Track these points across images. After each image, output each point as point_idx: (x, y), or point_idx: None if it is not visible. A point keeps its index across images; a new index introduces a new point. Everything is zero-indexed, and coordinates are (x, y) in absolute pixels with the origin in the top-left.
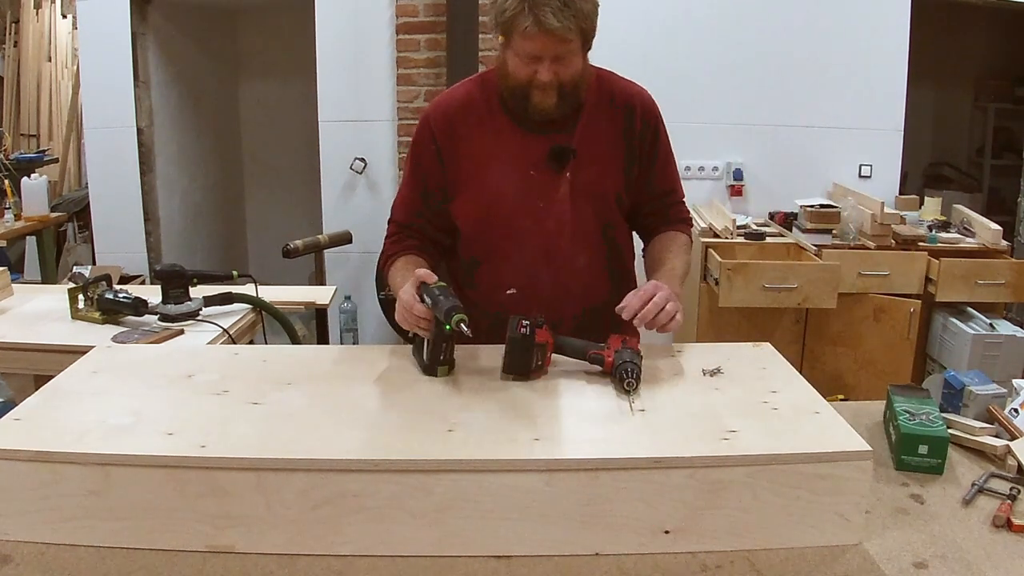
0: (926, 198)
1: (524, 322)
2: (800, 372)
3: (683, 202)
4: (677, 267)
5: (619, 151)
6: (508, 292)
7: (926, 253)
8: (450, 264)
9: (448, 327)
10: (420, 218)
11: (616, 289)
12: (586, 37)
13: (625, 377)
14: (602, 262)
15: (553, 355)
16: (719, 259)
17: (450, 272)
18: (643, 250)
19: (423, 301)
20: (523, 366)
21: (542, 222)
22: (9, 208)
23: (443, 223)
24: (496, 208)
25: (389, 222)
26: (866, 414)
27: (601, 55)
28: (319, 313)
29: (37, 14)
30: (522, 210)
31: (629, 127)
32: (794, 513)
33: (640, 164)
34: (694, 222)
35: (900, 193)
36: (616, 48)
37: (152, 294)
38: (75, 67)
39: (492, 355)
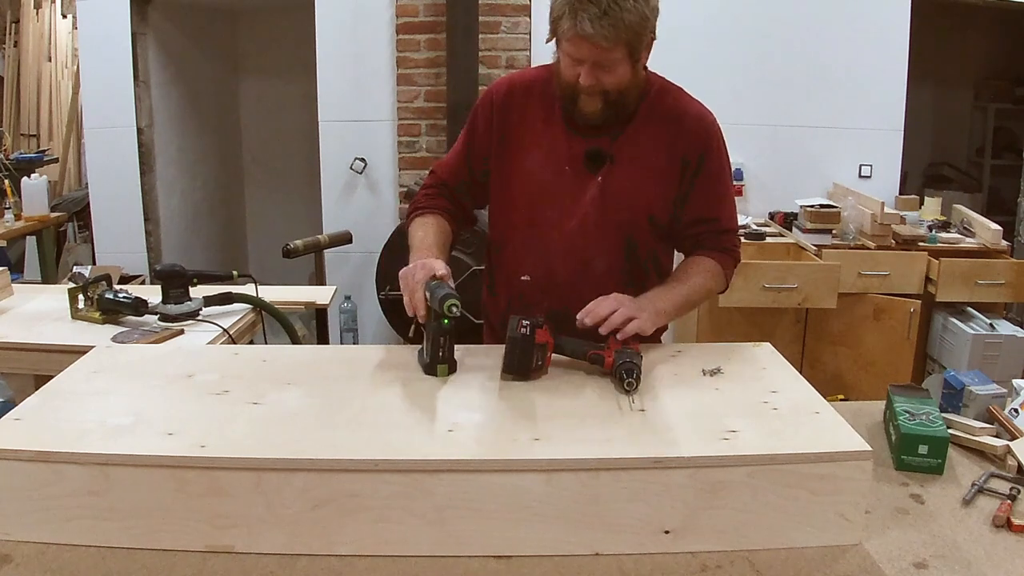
0: (926, 198)
1: (524, 322)
2: (800, 372)
3: (730, 232)
4: (681, 287)
5: (659, 167)
6: (523, 278)
7: (926, 253)
8: (484, 241)
9: (446, 320)
10: (457, 180)
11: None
12: (631, 47)
13: (625, 377)
14: (620, 272)
15: (553, 355)
16: None
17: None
18: None
19: (427, 297)
20: (523, 366)
21: (566, 218)
22: (9, 208)
23: (478, 193)
24: (524, 194)
25: (430, 173)
26: (866, 414)
27: None
28: (319, 313)
29: (37, 14)
30: (549, 202)
31: (675, 145)
32: (794, 513)
33: (681, 185)
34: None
35: (900, 193)
36: None
37: (152, 294)
38: (75, 67)
39: (492, 355)
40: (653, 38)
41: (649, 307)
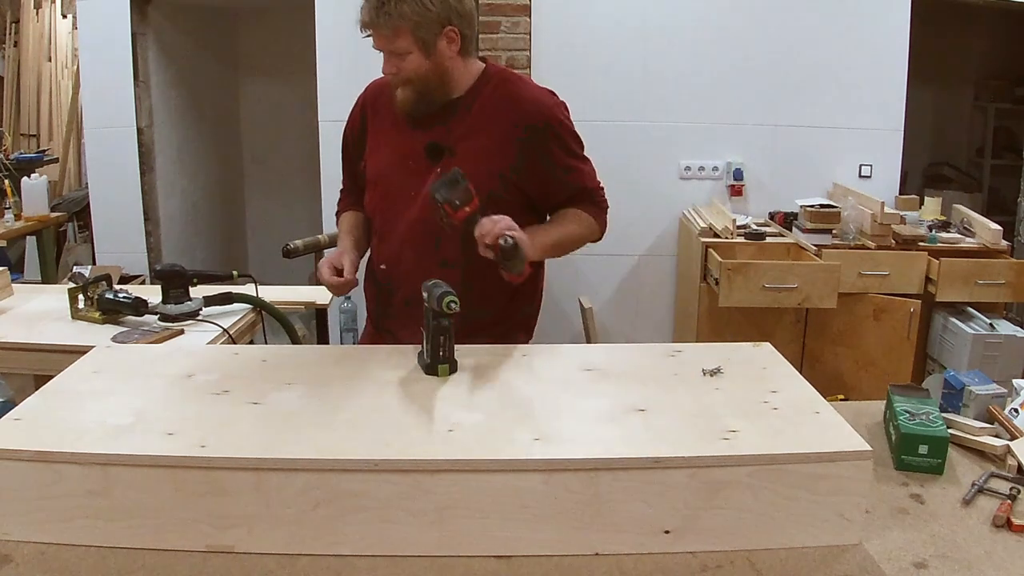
0: (926, 198)
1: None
2: (800, 372)
3: (594, 189)
4: (556, 229)
5: (499, 153)
6: (381, 267)
7: (926, 253)
8: None
9: (446, 319)
10: (349, 180)
11: (472, 284)
12: (418, 36)
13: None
14: (466, 255)
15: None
16: (719, 259)
17: None
18: None
19: (424, 296)
20: (445, 192)
21: (411, 209)
22: (9, 208)
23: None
24: (377, 189)
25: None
26: (866, 414)
27: (601, 55)
28: (319, 313)
29: (37, 14)
30: (397, 195)
31: (514, 129)
32: (794, 513)
33: (527, 171)
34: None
35: (900, 193)
36: (616, 49)
37: (152, 294)
38: (75, 67)
39: (492, 355)
40: (456, 30)
41: (527, 241)
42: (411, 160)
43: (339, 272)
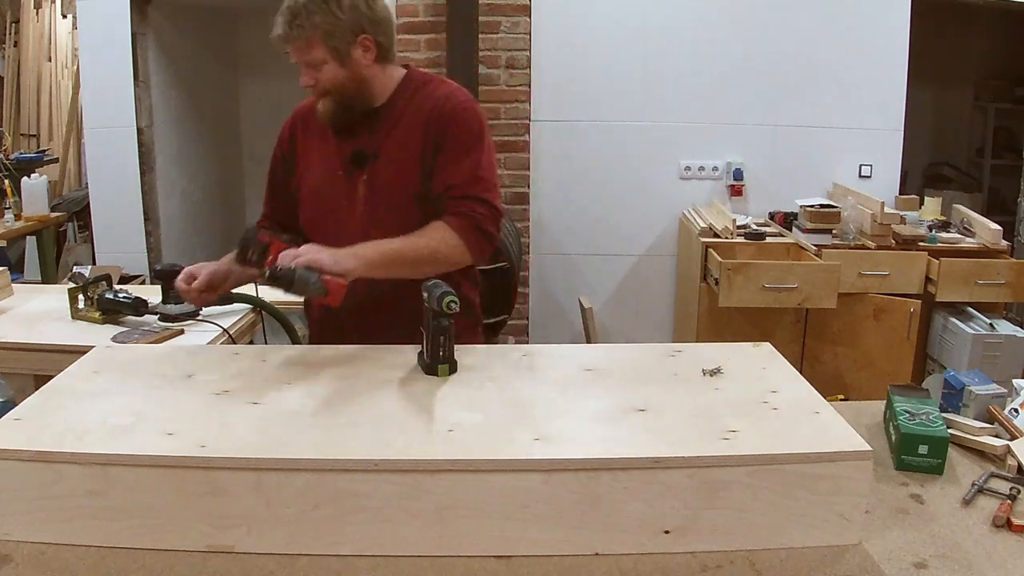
0: (926, 198)
1: (274, 231)
2: (800, 372)
3: (469, 197)
4: (393, 242)
5: (415, 152)
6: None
7: (926, 253)
8: None
9: (446, 319)
10: (269, 206)
11: (406, 287)
12: (331, 47)
13: (268, 271)
14: None
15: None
16: (719, 259)
17: None
18: None
19: (424, 297)
20: (241, 252)
21: (345, 220)
22: (9, 208)
23: (292, 212)
24: (313, 206)
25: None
26: (866, 414)
27: (601, 55)
28: None
29: (37, 14)
30: (330, 209)
31: (426, 128)
32: (794, 513)
33: (431, 161)
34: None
35: (900, 193)
36: (616, 49)
37: (152, 294)
38: (75, 67)
39: (492, 355)
40: (370, 38)
41: (351, 259)
42: (340, 170)
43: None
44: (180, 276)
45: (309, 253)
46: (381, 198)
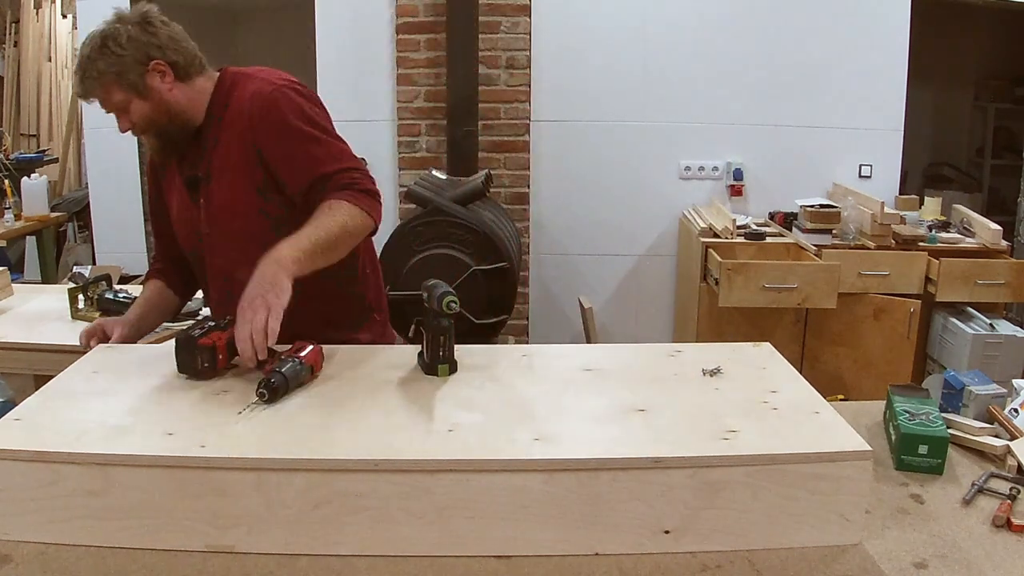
0: (926, 198)
1: (203, 326)
2: (800, 372)
3: (340, 171)
4: (307, 229)
5: (247, 166)
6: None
7: (926, 253)
8: None
9: (446, 319)
10: (159, 244)
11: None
12: (125, 86)
13: (259, 387)
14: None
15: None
16: (719, 259)
17: None
18: None
19: (424, 297)
20: (188, 365)
21: (200, 246)
22: (9, 208)
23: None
24: (182, 241)
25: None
26: (866, 414)
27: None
28: None
29: (37, 14)
30: (192, 243)
31: (247, 137)
32: (794, 513)
33: (267, 172)
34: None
35: (900, 193)
36: (616, 49)
37: None
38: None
39: (492, 355)
40: (160, 62)
41: (277, 271)
42: (188, 200)
43: (106, 340)
44: (91, 330)
45: (254, 310)
46: (221, 222)
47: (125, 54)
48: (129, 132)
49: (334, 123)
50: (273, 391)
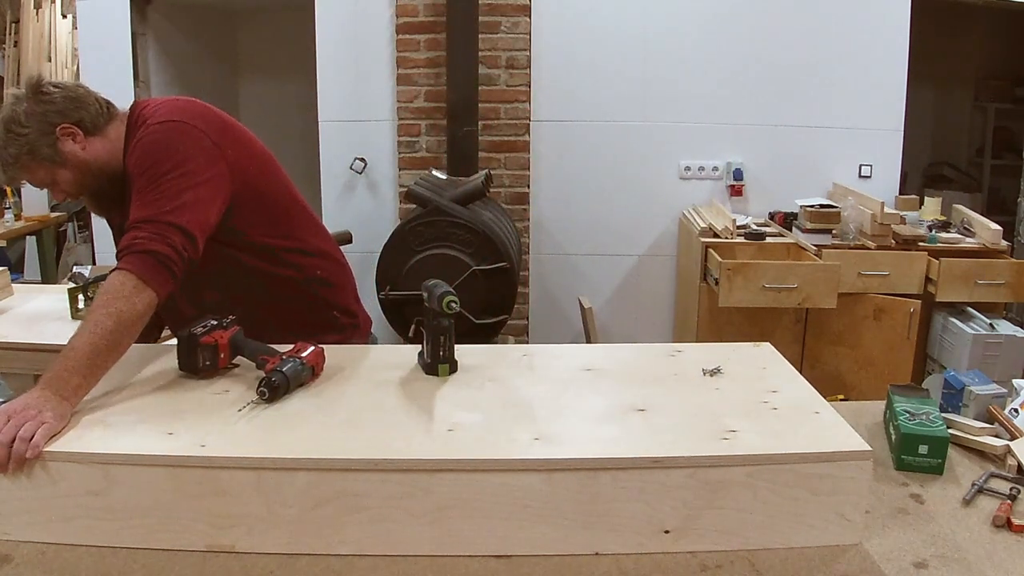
0: (926, 198)
1: (205, 324)
2: (800, 372)
3: (137, 224)
4: (70, 350)
5: None
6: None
7: (926, 253)
8: None
9: (446, 319)
10: None
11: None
12: (42, 161)
13: (260, 386)
14: (237, 289)
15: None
16: (719, 259)
17: None
18: None
19: (424, 297)
20: (189, 363)
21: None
22: (9, 208)
23: None
24: None
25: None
26: (866, 414)
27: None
28: None
29: (37, 14)
30: None
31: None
32: (794, 513)
33: None
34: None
35: (900, 193)
36: (616, 49)
37: None
38: (75, 67)
39: (492, 355)
40: (65, 126)
41: (44, 394)
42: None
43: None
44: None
45: (39, 429)
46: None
47: (28, 131)
48: (63, 202)
49: (334, 122)
50: (274, 390)
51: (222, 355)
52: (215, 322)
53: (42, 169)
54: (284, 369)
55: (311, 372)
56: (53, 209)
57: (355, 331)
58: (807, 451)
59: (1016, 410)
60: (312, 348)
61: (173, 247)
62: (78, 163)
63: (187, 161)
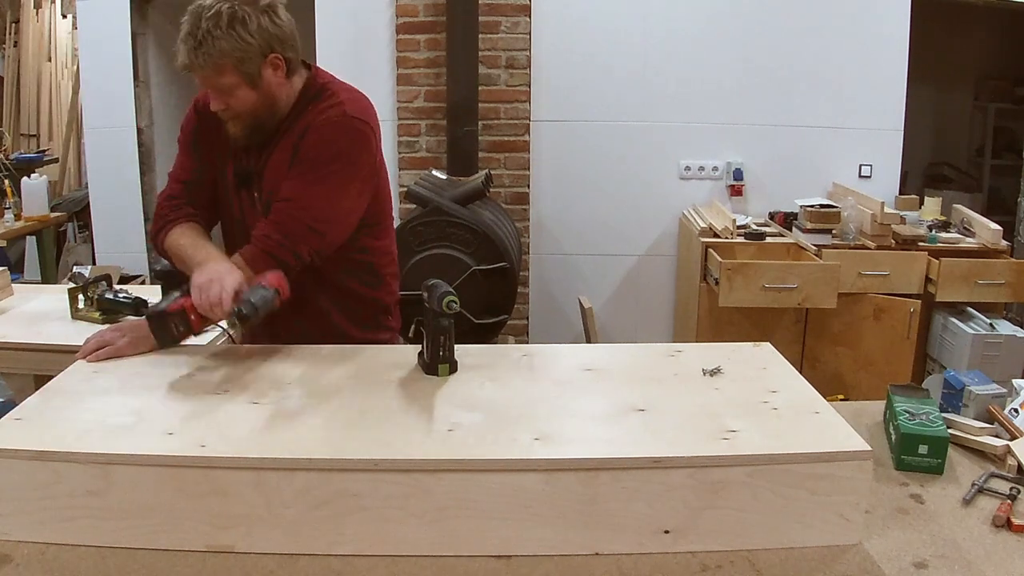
0: (926, 198)
1: (168, 298)
2: (800, 372)
3: (280, 223)
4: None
5: (285, 173)
6: None
7: (926, 253)
8: None
9: (446, 319)
10: (181, 185)
11: (307, 297)
12: (241, 71)
13: (231, 318)
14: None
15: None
16: (719, 259)
17: None
18: None
19: (424, 297)
20: (165, 336)
21: (235, 234)
22: (9, 208)
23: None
24: (222, 214)
25: (169, 183)
26: (866, 414)
27: (601, 55)
28: None
29: (37, 14)
30: (232, 221)
31: (295, 146)
32: (794, 513)
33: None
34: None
35: (900, 193)
36: (616, 49)
37: (152, 294)
38: (75, 67)
39: (493, 355)
40: (279, 56)
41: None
42: (231, 181)
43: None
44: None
45: (232, 286)
46: (258, 220)
47: (252, 42)
48: (219, 112)
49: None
50: (243, 319)
51: (192, 317)
52: (177, 294)
53: (234, 78)
54: (254, 299)
55: (277, 294)
56: (53, 209)
57: (394, 335)
58: (807, 451)
59: (1016, 410)
60: (270, 273)
61: (299, 258)
62: (266, 93)
63: (358, 167)
